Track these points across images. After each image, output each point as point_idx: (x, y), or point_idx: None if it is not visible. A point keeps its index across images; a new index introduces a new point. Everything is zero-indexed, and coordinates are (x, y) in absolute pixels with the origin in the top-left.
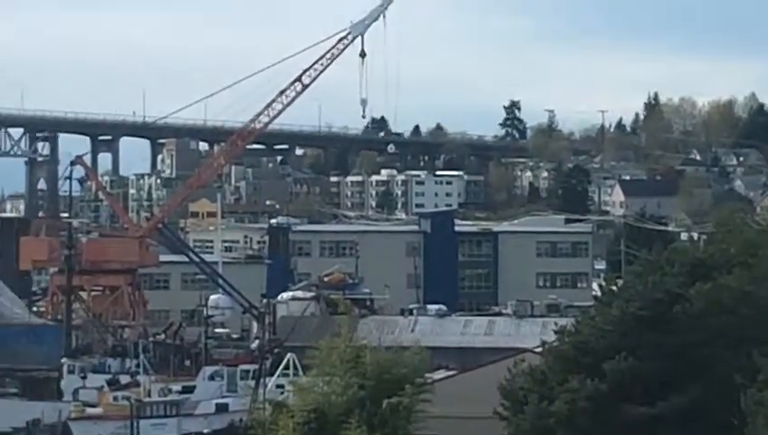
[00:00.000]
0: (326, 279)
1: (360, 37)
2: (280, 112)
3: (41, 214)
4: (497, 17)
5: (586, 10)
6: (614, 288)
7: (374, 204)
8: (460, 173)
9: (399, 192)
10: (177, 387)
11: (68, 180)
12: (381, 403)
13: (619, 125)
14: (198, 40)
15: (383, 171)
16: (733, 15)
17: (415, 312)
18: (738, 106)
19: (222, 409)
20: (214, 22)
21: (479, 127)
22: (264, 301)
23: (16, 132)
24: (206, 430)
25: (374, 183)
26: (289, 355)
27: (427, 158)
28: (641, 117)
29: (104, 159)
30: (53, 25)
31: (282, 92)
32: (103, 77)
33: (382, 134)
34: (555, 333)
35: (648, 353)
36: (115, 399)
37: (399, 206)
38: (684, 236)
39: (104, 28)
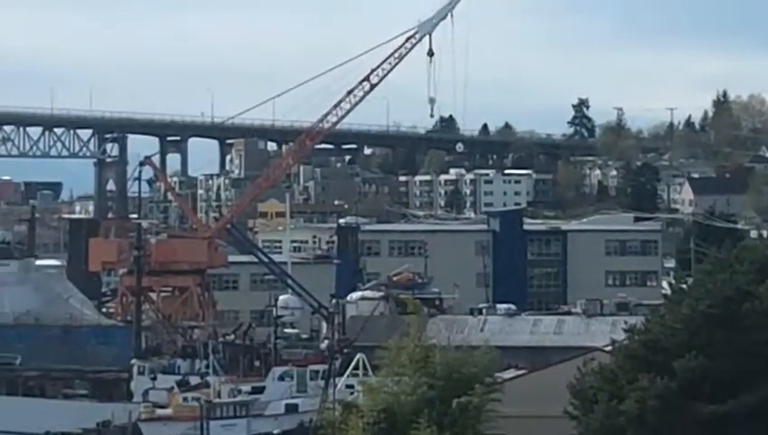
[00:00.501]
0: (395, 279)
1: (427, 36)
2: (348, 112)
3: (110, 215)
4: (571, 17)
5: (658, 9)
6: (684, 286)
7: (443, 203)
8: (529, 172)
9: (468, 191)
10: (246, 388)
11: (137, 181)
12: (451, 403)
13: (688, 123)
14: (266, 41)
15: (452, 170)
16: None
17: (484, 311)
18: None
19: (291, 409)
20: (282, 23)
21: (548, 125)
22: (334, 301)
23: (85, 133)
24: (275, 431)
25: (443, 182)
26: (358, 355)
27: (495, 156)
28: (710, 115)
29: (173, 160)
30: (122, 28)
31: (350, 92)
32: (172, 78)
33: (451, 133)
34: (625, 331)
35: (717, 351)
36: (185, 400)
37: (468, 205)
38: (753, 233)
39: (172, 30)
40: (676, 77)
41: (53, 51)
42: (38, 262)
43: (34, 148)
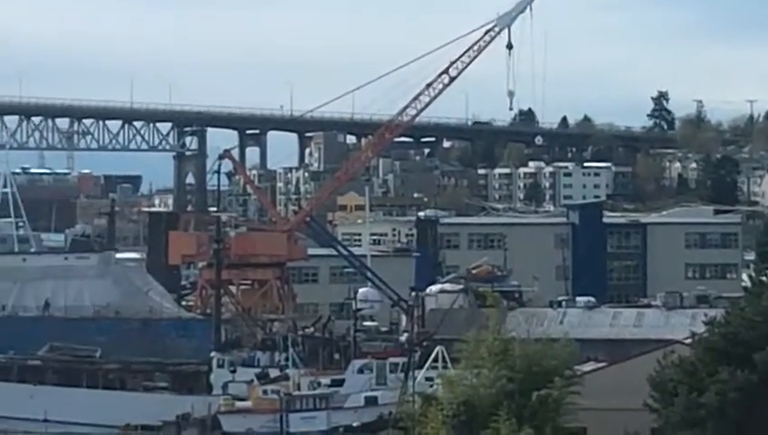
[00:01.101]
0: (474, 272)
1: (506, 29)
2: (427, 105)
3: (189, 208)
4: (651, 10)
5: (739, 3)
6: (764, 279)
7: (522, 196)
8: (608, 165)
9: (547, 184)
10: (326, 380)
11: (216, 174)
12: (530, 396)
13: None
14: (345, 35)
15: (531, 163)
16: None
17: (564, 304)
18: None
19: (371, 402)
20: (361, 18)
21: (627, 118)
22: (413, 294)
23: (165, 127)
24: (355, 424)
25: (522, 175)
26: (438, 348)
27: (574, 149)
28: None
29: (252, 153)
30: (201, 24)
31: (429, 85)
32: (251, 73)
33: (530, 126)
34: (705, 324)
35: None
36: (264, 392)
37: (547, 198)
38: None
39: (252, 26)
40: (756, 70)
41: (133, 46)
42: (118, 255)
43: (114, 141)
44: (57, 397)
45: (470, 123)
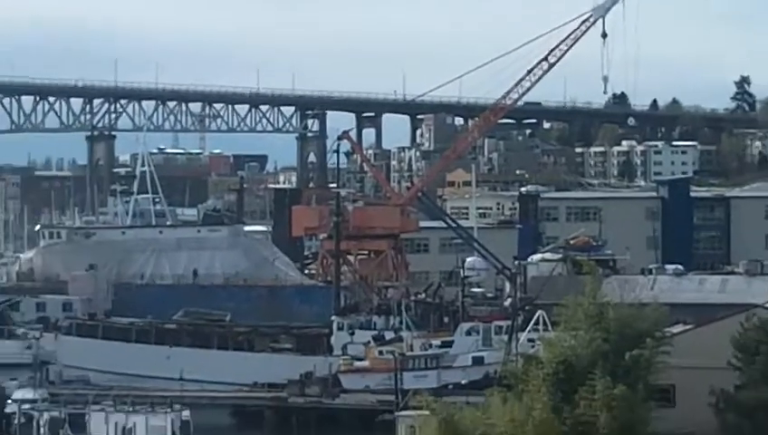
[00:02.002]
0: (572, 242)
1: (601, 19)
2: (528, 89)
3: (311, 185)
4: None
5: None
6: None
7: (615, 172)
8: (695, 143)
9: (639, 161)
10: (436, 342)
11: (336, 154)
12: (624, 355)
13: None
14: (453, 24)
15: (624, 142)
16: None
17: (654, 271)
18: None
19: (478, 361)
20: (467, 7)
21: (712, 101)
22: (516, 262)
23: (288, 111)
24: (463, 381)
25: (615, 153)
26: (539, 312)
27: (664, 129)
28: None
29: (368, 135)
30: (322, 14)
31: (530, 71)
32: (368, 60)
33: (623, 108)
34: None
35: None
36: (380, 353)
37: (639, 174)
38: None
39: (368, 16)
40: None
41: (259, 36)
42: (246, 228)
43: (242, 124)
44: (191, 358)
45: (569, 106)
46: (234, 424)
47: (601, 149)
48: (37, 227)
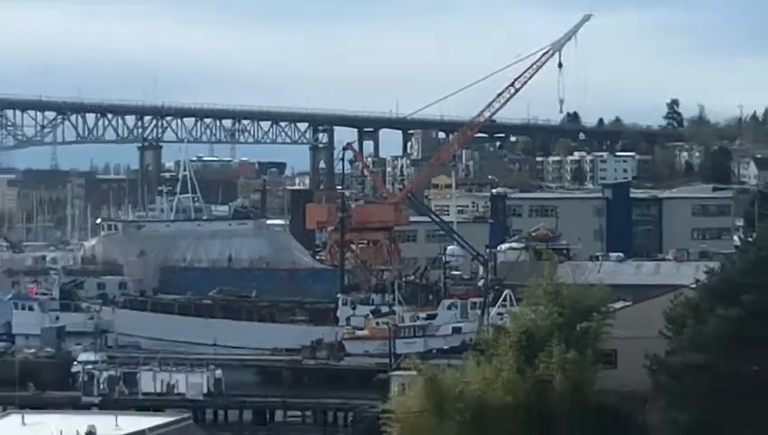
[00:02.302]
0: (533, 234)
1: (557, 52)
2: (498, 109)
3: (321, 187)
4: (666, 36)
5: (727, 29)
6: (750, 239)
7: (569, 178)
8: (633, 154)
9: (588, 169)
10: (423, 315)
11: (341, 161)
12: (575, 326)
13: (754, 116)
14: (437, 55)
15: (576, 153)
16: None
17: (600, 258)
18: None
19: (457, 331)
20: (448, 41)
21: (648, 119)
22: (488, 250)
23: (303, 126)
24: (445, 347)
25: (569, 162)
26: (506, 291)
27: (609, 143)
28: None
29: (368, 146)
30: (333, 43)
31: (499, 94)
32: (368, 83)
33: (575, 125)
34: (705, 273)
35: None
36: (377, 324)
37: (588, 179)
38: None
39: (369, 46)
40: (745, 80)
41: (279, 62)
42: (268, 221)
43: (265, 136)
44: (223, 327)
45: (531, 123)
46: (257, 381)
47: (558, 158)
48: (98, 221)
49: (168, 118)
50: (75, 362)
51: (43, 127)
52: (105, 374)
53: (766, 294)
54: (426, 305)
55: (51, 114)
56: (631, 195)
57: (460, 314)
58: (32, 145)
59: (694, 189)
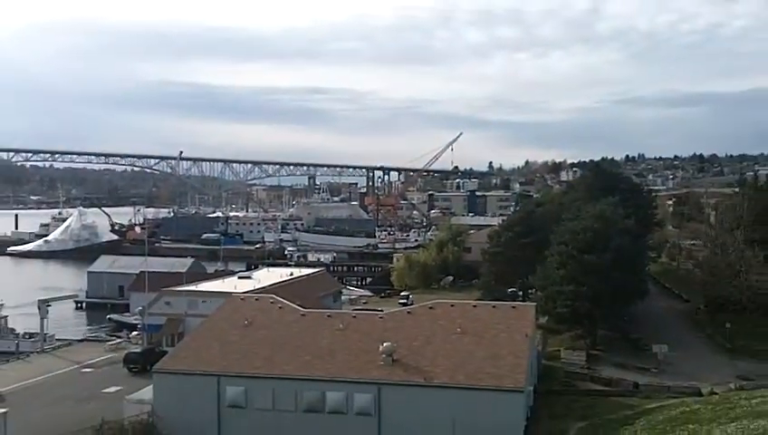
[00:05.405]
0: None
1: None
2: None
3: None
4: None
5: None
6: (518, 207)
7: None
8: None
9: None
10: None
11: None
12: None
13: None
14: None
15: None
16: None
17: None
18: None
19: None
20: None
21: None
22: None
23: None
24: None
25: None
26: None
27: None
28: None
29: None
30: None
31: (428, 163)
32: None
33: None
34: (502, 221)
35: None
36: None
37: None
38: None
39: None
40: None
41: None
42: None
43: None
44: None
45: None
46: None
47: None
48: None
49: None
50: (286, 251)
51: None
52: (297, 254)
53: (520, 227)
54: None
55: None
56: None
57: None
58: None
59: None
